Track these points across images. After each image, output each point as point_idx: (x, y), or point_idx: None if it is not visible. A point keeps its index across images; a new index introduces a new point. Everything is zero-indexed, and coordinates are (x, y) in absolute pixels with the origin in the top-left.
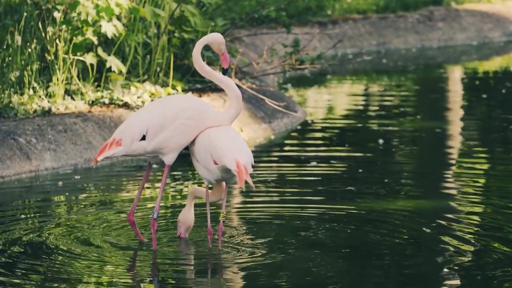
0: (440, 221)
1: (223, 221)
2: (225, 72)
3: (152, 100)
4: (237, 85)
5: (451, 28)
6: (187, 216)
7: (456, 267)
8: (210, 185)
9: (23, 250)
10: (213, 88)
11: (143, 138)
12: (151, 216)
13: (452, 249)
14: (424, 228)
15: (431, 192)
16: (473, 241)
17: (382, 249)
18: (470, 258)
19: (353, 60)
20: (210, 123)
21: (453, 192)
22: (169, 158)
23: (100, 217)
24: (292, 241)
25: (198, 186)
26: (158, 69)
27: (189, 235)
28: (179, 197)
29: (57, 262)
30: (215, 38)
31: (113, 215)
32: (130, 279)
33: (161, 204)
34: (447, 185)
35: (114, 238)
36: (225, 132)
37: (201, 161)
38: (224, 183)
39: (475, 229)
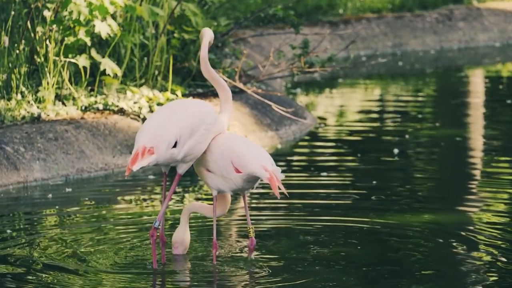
0: (462, 236)
1: (253, 237)
2: None
3: (150, 106)
4: (241, 90)
5: (473, 28)
6: (184, 236)
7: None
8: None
9: (9, 268)
10: (215, 93)
11: (174, 145)
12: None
13: (475, 266)
14: (444, 244)
15: (451, 204)
16: (498, 257)
17: (399, 266)
18: (496, 276)
19: (366, 62)
20: (218, 129)
21: (475, 204)
22: (184, 167)
23: (93, 232)
24: (301, 257)
25: (196, 201)
26: (156, 72)
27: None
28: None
29: (47, 282)
30: (211, 35)
31: (108, 230)
32: None
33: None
34: (469, 197)
35: (109, 256)
36: (240, 139)
37: (217, 171)
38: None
39: (500, 243)
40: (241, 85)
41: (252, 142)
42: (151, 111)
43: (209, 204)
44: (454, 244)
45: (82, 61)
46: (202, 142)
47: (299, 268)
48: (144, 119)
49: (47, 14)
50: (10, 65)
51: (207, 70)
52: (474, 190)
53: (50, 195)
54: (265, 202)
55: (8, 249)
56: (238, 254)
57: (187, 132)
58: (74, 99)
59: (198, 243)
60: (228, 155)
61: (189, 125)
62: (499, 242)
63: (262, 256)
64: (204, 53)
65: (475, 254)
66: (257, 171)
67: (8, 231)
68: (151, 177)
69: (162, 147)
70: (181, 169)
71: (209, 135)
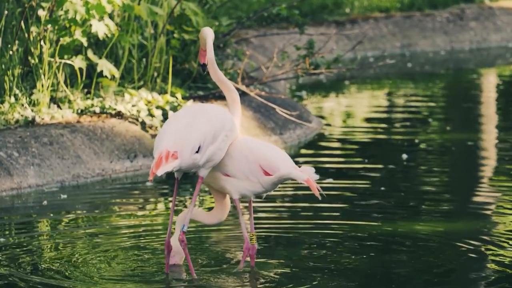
0: (474, 245)
1: (255, 244)
2: (204, 67)
3: (149, 109)
4: (244, 92)
5: (485, 28)
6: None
7: None
8: (203, 205)
9: (1, 277)
10: (217, 96)
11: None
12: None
13: (490, 276)
14: (456, 253)
15: (463, 211)
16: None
17: (408, 277)
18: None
19: (374, 64)
20: (235, 135)
21: (488, 211)
22: (205, 171)
23: (89, 241)
24: (306, 265)
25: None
26: (155, 74)
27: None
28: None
29: None
30: (213, 34)
31: (104, 238)
32: None
33: (151, 226)
34: (482, 203)
35: (106, 266)
36: (260, 141)
37: (241, 175)
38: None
39: None
40: (243, 88)
41: (271, 144)
42: (150, 114)
43: (206, 210)
44: (467, 253)
45: (78, 62)
46: (222, 148)
47: (303, 276)
48: (142, 123)
49: (42, 13)
50: (3, 66)
51: (215, 72)
52: (487, 196)
53: (45, 202)
54: (269, 207)
55: (0, 257)
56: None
57: (210, 137)
58: (69, 102)
59: (197, 251)
60: (254, 158)
61: (212, 131)
62: None
63: (265, 263)
64: (211, 54)
65: (489, 263)
66: (293, 173)
67: (1, 239)
68: (149, 183)
69: (186, 152)
70: (203, 172)
71: (228, 141)
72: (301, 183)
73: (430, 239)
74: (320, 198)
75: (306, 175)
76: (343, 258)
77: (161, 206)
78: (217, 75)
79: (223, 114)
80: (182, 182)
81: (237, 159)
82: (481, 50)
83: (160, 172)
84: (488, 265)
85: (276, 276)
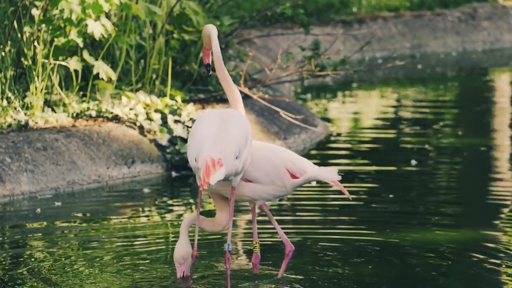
0: (487, 253)
1: (259, 252)
2: (208, 68)
3: (147, 112)
4: (247, 95)
5: (498, 28)
6: (188, 251)
7: None
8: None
9: None
10: (218, 99)
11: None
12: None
13: (501, 286)
14: (467, 264)
15: (475, 220)
16: None
17: (417, 285)
18: None
19: (383, 65)
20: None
21: (501, 220)
22: (238, 179)
23: (84, 250)
24: (310, 275)
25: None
26: (154, 76)
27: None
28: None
29: None
30: (216, 30)
31: (101, 249)
32: None
33: (149, 232)
34: (494, 212)
35: (102, 275)
36: (276, 145)
37: (266, 179)
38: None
39: None
40: (246, 90)
41: (284, 148)
42: (148, 118)
43: (210, 217)
44: (478, 264)
45: (74, 64)
46: (250, 152)
47: (309, 284)
48: (140, 127)
49: (36, 12)
50: None
51: (221, 68)
52: (500, 204)
53: (38, 210)
54: (273, 212)
55: None
56: (243, 270)
57: (243, 142)
58: (64, 105)
59: (204, 258)
60: (281, 162)
61: (243, 135)
62: None
63: (269, 273)
64: (217, 49)
65: (504, 271)
66: (321, 174)
67: None
68: (146, 190)
69: (230, 158)
70: (235, 181)
71: (251, 145)
72: (310, 193)
73: (441, 246)
74: (350, 198)
75: (333, 176)
76: (350, 265)
77: (160, 213)
78: (223, 72)
79: (244, 119)
80: (181, 188)
81: (261, 164)
82: (494, 51)
83: (213, 180)
84: (502, 274)
85: (281, 284)
